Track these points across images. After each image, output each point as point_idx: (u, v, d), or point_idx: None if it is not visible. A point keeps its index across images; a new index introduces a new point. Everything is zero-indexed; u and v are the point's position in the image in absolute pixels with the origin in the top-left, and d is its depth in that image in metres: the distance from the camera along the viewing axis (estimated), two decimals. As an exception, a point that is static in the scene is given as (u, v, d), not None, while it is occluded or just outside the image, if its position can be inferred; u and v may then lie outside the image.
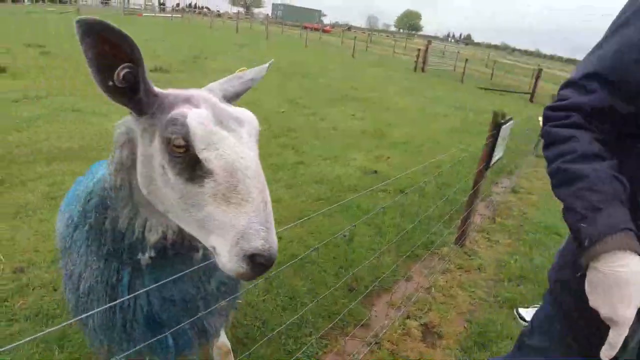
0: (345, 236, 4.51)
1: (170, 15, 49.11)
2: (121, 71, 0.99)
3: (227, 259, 0.96)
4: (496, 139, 4.32)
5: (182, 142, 0.99)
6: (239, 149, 1.01)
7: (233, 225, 0.96)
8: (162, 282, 1.28)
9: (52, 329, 1.06)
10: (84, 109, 8.77)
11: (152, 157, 1.07)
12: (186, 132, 0.99)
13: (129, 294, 1.32)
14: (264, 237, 0.95)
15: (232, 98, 1.31)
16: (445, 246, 4.64)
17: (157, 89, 1.10)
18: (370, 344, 3.17)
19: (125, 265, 1.32)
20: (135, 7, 52.61)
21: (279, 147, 7.42)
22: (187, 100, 1.08)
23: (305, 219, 2.47)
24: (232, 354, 2.67)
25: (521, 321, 3.76)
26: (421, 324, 3.47)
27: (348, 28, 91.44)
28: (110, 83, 1.00)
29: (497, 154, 4.59)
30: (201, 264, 1.38)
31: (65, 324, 1.16)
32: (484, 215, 5.65)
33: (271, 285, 3.75)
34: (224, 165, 0.98)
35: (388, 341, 3.24)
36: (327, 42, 39.63)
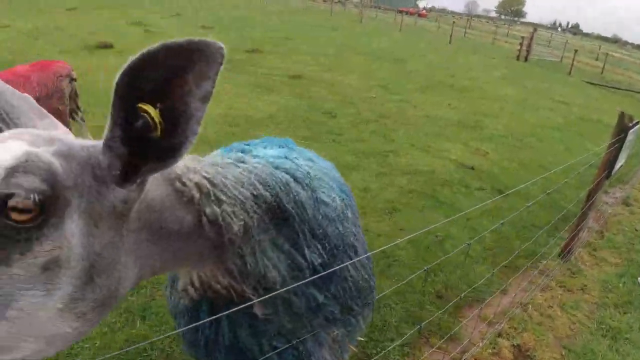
0: (437, 237, 4.22)
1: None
2: None
3: None
4: (622, 145, 3.75)
5: None
6: None
7: None
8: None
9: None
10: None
11: None
12: None
13: (208, 317, 1.11)
14: None
15: None
16: (547, 259, 4.17)
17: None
18: (456, 360, 2.89)
19: None
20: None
21: (369, 133, 7.15)
22: None
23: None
24: None
25: None
26: (514, 345, 3.12)
27: (422, 10, 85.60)
28: None
29: (620, 162, 4.01)
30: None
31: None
32: (590, 228, 5.03)
33: (355, 280, 3.57)
34: None
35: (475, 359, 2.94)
36: (423, 27, 38.09)
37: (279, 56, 13.09)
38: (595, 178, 3.94)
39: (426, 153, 6.53)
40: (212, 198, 0.88)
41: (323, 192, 1.19)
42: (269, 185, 0.99)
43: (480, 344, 3.03)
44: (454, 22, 32.70)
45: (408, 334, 2.97)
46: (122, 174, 0.71)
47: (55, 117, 4.23)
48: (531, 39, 23.88)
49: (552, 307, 3.58)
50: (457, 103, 10.18)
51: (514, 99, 11.79)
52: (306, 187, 1.09)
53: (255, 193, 0.96)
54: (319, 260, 1.13)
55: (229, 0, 34.96)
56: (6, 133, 0.68)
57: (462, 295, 3.22)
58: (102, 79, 9.22)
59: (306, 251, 1.10)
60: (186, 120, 0.68)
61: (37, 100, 4.25)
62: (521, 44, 23.90)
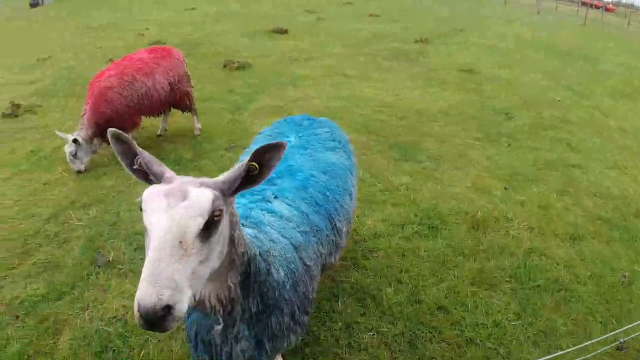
0: (624, 277, 3.50)
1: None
2: (138, 159, 1.41)
3: None
4: None
5: (140, 206, 1.31)
6: (157, 216, 1.24)
7: (142, 273, 1.16)
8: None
9: None
10: (349, 74, 9.16)
11: None
12: (141, 200, 1.31)
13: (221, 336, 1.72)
14: (141, 288, 1.12)
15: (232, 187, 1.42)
16: None
17: (166, 173, 1.41)
18: None
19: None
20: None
21: (551, 140, 6.27)
22: (166, 180, 1.40)
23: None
24: None
25: None
26: None
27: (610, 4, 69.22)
28: (135, 166, 1.42)
29: None
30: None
31: None
32: None
33: (524, 311, 3.14)
34: (147, 225, 1.26)
35: None
36: (609, 22, 32.64)
37: (448, 48, 12.32)
38: None
39: (619, 173, 5.47)
40: (238, 227, 1.51)
41: (273, 267, 1.74)
42: (249, 247, 1.59)
43: None
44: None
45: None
46: (233, 192, 1.39)
47: (185, 99, 4.52)
48: None
49: None
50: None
51: None
52: (264, 260, 1.69)
53: (248, 244, 1.59)
54: (254, 310, 1.69)
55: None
56: (187, 181, 1.34)
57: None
58: (274, 60, 9.91)
59: (250, 300, 1.65)
60: (268, 169, 1.41)
61: (171, 85, 4.46)
62: None
